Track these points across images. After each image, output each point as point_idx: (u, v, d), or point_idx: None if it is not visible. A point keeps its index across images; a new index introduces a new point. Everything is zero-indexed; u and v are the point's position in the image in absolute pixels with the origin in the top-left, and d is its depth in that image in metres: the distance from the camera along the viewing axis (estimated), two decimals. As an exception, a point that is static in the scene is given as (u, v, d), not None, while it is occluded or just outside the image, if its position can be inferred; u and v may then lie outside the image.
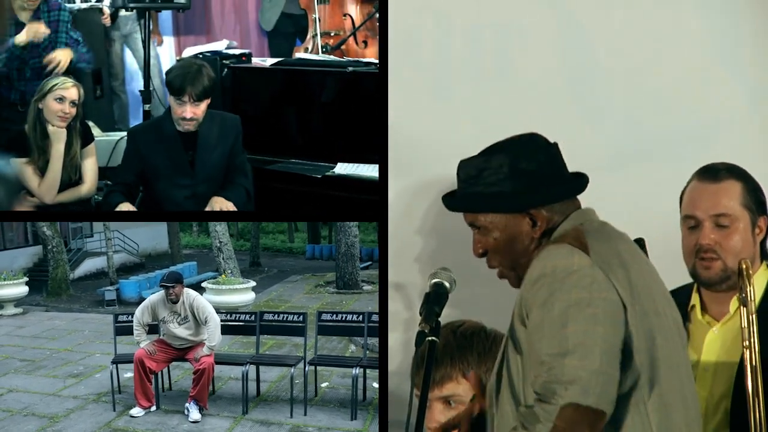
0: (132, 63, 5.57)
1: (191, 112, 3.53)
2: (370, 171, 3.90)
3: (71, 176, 3.85)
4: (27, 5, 4.18)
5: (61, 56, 4.16)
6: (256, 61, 4.77)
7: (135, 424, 4.94)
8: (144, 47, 4.53)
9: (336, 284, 10.52)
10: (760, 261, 2.39)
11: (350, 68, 4.26)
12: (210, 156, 3.66)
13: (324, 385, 5.64)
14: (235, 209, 3.58)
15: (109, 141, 4.30)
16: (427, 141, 3.00)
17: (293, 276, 12.30)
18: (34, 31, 4.13)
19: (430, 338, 1.88)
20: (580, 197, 2.07)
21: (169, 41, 5.75)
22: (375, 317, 4.96)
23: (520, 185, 1.97)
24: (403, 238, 3.02)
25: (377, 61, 4.46)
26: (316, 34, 4.90)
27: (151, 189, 3.71)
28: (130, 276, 11.44)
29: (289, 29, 5.48)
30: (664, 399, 1.83)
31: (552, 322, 1.75)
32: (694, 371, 2.14)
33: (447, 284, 2.00)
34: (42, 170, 3.79)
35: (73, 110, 3.78)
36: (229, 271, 9.45)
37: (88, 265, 12.01)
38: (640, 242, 2.49)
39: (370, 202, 3.68)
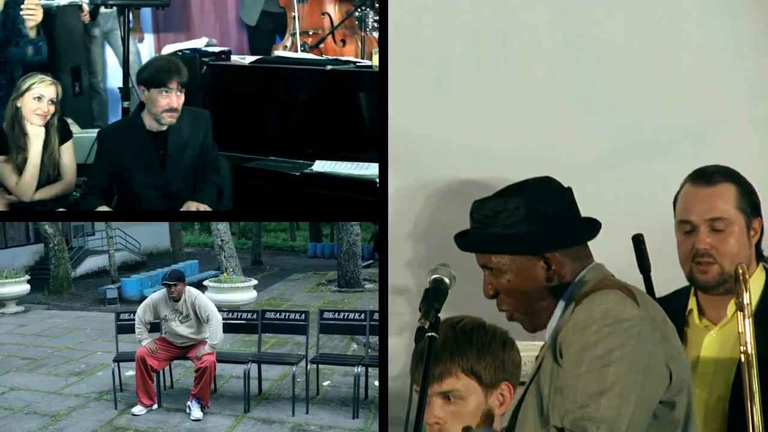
0: (112, 60, 5.56)
1: (177, 101, 3.55)
2: (350, 169, 3.92)
3: (50, 173, 3.83)
4: None
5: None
6: (236, 59, 4.77)
7: (137, 423, 4.94)
8: (123, 44, 4.52)
9: (338, 283, 10.53)
10: (756, 263, 2.39)
11: (329, 66, 4.27)
12: (181, 154, 3.66)
13: (326, 383, 5.64)
14: (210, 209, 3.60)
15: (87, 138, 4.26)
16: (427, 139, 3.00)
17: (295, 274, 12.31)
18: None
19: (429, 334, 1.87)
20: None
21: (148, 38, 5.75)
22: (377, 316, 4.95)
23: (536, 228, 1.96)
24: (403, 236, 3.02)
25: (356, 60, 4.47)
26: (295, 33, 4.90)
27: (124, 189, 3.72)
28: (132, 274, 11.46)
29: (268, 27, 5.48)
30: None
31: (593, 361, 1.75)
32: (692, 373, 2.14)
33: (447, 280, 1.99)
34: (20, 168, 3.76)
35: (52, 108, 3.76)
36: (231, 270, 9.46)
37: (90, 264, 12.04)
38: (638, 238, 2.50)
39: (355, 201, 3.71)
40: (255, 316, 5.58)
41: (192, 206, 3.59)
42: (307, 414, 5.02)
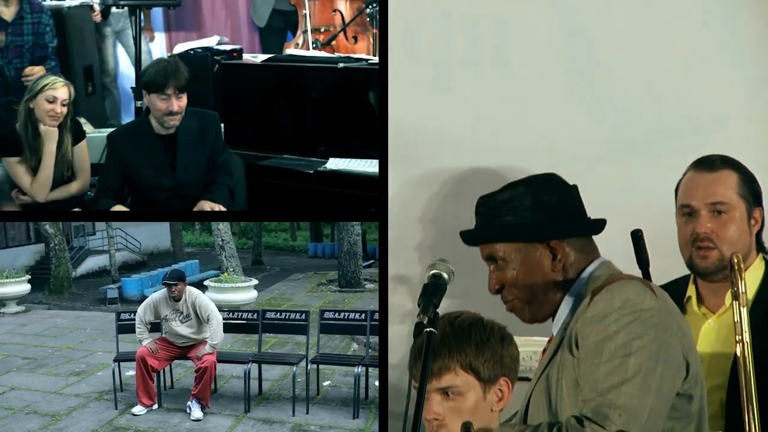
0: (124, 59, 5.57)
1: (177, 105, 3.53)
2: (362, 166, 3.92)
3: (63, 173, 3.86)
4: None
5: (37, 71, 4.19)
6: (247, 57, 4.78)
7: (137, 423, 4.93)
8: (135, 44, 4.53)
9: (338, 282, 10.53)
10: (756, 253, 2.39)
11: (341, 64, 4.26)
12: (191, 157, 3.64)
13: (326, 383, 5.64)
14: (224, 209, 3.59)
15: (100, 137, 4.29)
16: (427, 134, 3.00)
17: (295, 274, 12.31)
18: None
19: (428, 329, 1.87)
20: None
21: (160, 37, 5.76)
22: (377, 315, 4.95)
23: (541, 216, 1.98)
24: (403, 232, 3.02)
25: (368, 57, 4.47)
26: (307, 30, 4.91)
27: (134, 192, 3.72)
28: (132, 274, 11.46)
29: (280, 25, 5.49)
30: None
31: (614, 351, 1.76)
32: None
33: (445, 275, 1.99)
34: (34, 169, 3.80)
35: (64, 109, 3.78)
36: (232, 270, 9.46)
37: (91, 263, 12.04)
38: (637, 234, 2.49)
39: (368, 199, 3.69)
40: (255, 316, 5.57)
41: (206, 206, 3.56)
42: (308, 414, 5.01)
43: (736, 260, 2.11)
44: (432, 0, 3.00)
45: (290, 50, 4.91)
